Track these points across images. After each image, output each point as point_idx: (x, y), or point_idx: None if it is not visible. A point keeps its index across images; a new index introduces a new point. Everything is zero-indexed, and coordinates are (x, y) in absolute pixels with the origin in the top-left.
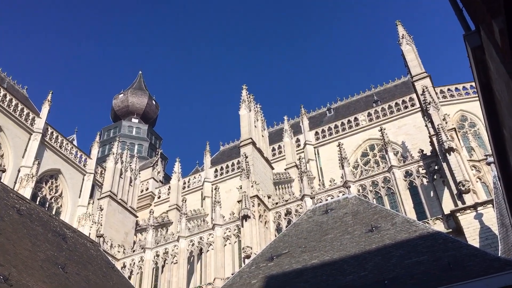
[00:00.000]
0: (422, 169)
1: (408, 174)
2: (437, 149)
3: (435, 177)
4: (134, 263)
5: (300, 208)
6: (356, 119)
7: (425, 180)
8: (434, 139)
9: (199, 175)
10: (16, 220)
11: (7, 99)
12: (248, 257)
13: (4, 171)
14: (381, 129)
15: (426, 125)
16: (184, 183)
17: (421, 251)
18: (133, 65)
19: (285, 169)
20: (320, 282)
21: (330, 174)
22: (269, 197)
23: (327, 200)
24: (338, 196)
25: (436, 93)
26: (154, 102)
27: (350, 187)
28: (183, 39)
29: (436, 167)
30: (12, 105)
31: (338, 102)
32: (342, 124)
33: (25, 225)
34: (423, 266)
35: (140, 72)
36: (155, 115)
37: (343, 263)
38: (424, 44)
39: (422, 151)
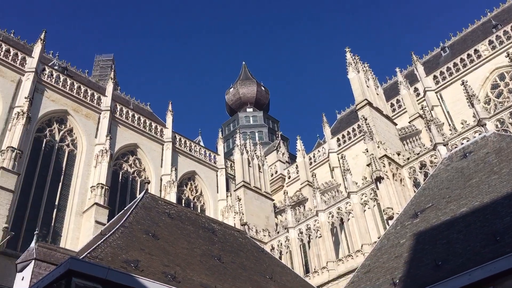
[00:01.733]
0: None
1: None
2: None
3: None
4: (281, 243)
5: (435, 158)
6: (476, 51)
7: None
8: None
9: (323, 147)
10: (169, 224)
11: (136, 118)
12: (390, 218)
13: (149, 182)
14: (508, 55)
15: None
16: (310, 158)
17: None
18: (235, 58)
19: (409, 122)
20: (474, 229)
21: (459, 116)
22: (398, 154)
23: (462, 144)
24: (475, 137)
25: None
26: (263, 88)
27: (485, 124)
28: (277, 15)
29: None
30: (141, 123)
31: (452, 38)
32: (462, 60)
33: (178, 227)
34: None
35: (244, 62)
36: (267, 100)
37: (496, 206)
38: None
39: None
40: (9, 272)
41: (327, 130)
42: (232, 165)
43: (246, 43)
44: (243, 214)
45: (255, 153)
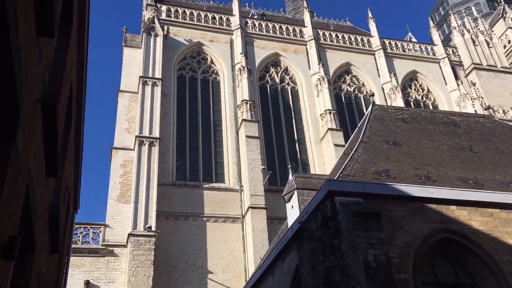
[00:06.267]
0: None
1: None
2: None
3: None
4: None
5: None
6: None
7: None
8: None
9: None
10: (405, 129)
11: (340, 37)
12: None
13: (373, 95)
14: None
15: None
16: None
17: None
18: None
19: None
20: None
21: None
22: None
23: None
24: None
25: None
26: None
27: None
28: None
29: None
30: (346, 40)
31: None
32: None
33: (415, 129)
34: None
35: None
36: None
37: None
38: None
39: None
40: (277, 205)
41: None
42: (454, 51)
43: None
44: (482, 98)
45: (478, 29)
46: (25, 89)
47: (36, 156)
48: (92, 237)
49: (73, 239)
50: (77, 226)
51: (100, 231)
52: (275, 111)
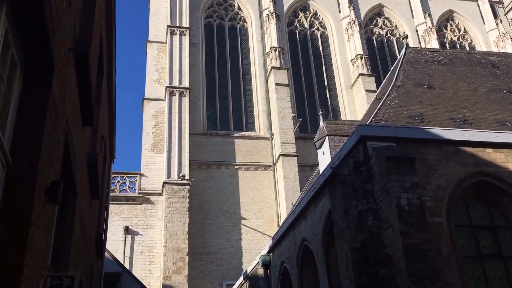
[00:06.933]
0: None
1: None
2: None
3: None
4: None
5: None
6: None
7: None
8: None
9: None
10: (440, 71)
11: None
12: None
13: (406, 36)
14: None
15: None
16: None
17: None
18: None
19: None
20: None
21: None
22: None
23: None
24: None
25: None
26: None
27: None
28: None
29: None
30: None
31: None
32: None
33: (451, 71)
34: None
35: None
36: None
37: None
38: None
39: None
40: (308, 152)
41: None
42: None
43: None
44: None
45: None
46: (57, 37)
47: (72, 105)
48: (129, 186)
49: (111, 188)
50: (114, 175)
51: (136, 180)
52: (305, 58)
